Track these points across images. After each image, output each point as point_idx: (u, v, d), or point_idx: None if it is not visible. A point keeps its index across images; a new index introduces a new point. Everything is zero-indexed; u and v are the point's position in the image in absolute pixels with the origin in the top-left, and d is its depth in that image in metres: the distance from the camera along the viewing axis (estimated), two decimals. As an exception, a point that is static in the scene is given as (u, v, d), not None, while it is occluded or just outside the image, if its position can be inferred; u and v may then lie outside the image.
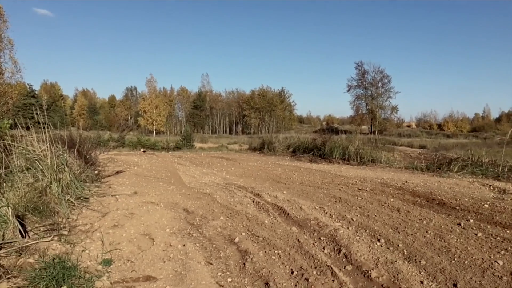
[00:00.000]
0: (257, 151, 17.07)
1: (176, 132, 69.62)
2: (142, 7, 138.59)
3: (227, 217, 5.12)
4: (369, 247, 3.90)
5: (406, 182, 7.34)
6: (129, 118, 77.54)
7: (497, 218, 4.81)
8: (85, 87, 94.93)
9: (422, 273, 3.31)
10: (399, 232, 4.32)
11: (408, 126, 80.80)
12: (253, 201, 5.96)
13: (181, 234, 4.37)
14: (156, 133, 66.67)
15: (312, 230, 4.49)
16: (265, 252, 3.87)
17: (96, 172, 7.35)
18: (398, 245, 3.92)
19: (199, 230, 4.54)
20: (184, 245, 4.00)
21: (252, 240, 4.20)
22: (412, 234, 4.22)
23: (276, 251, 3.87)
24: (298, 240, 4.19)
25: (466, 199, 5.79)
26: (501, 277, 3.20)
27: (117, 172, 8.36)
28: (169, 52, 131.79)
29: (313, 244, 4.07)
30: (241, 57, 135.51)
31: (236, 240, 4.19)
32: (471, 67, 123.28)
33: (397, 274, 3.28)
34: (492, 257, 3.58)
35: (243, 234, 4.41)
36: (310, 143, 14.28)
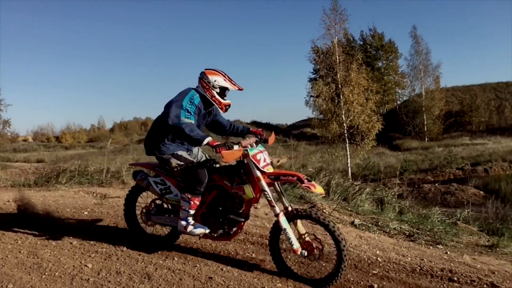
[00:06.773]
0: None
1: None
2: None
3: None
4: None
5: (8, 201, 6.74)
6: None
7: (96, 224, 5.20)
8: None
9: (9, 298, 3.10)
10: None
11: (25, 140, 74.88)
12: None
13: None
14: None
15: None
16: None
17: None
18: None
19: None
20: None
21: None
22: (3, 258, 3.90)
23: None
24: None
25: (68, 210, 5.96)
26: (88, 279, 3.45)
27: None
28: None
29: None
30: None
31: None
32: (88, 82, 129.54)
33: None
34: (83, 262, 3.82)
35: None
36: None
